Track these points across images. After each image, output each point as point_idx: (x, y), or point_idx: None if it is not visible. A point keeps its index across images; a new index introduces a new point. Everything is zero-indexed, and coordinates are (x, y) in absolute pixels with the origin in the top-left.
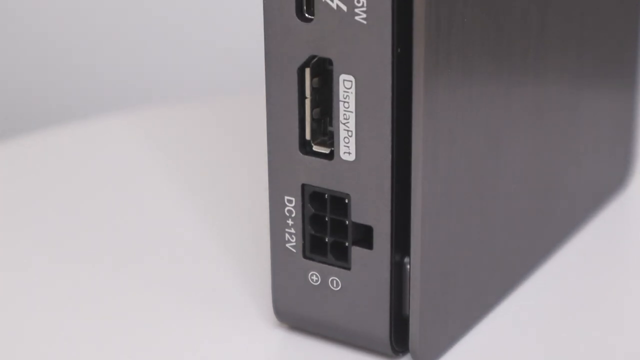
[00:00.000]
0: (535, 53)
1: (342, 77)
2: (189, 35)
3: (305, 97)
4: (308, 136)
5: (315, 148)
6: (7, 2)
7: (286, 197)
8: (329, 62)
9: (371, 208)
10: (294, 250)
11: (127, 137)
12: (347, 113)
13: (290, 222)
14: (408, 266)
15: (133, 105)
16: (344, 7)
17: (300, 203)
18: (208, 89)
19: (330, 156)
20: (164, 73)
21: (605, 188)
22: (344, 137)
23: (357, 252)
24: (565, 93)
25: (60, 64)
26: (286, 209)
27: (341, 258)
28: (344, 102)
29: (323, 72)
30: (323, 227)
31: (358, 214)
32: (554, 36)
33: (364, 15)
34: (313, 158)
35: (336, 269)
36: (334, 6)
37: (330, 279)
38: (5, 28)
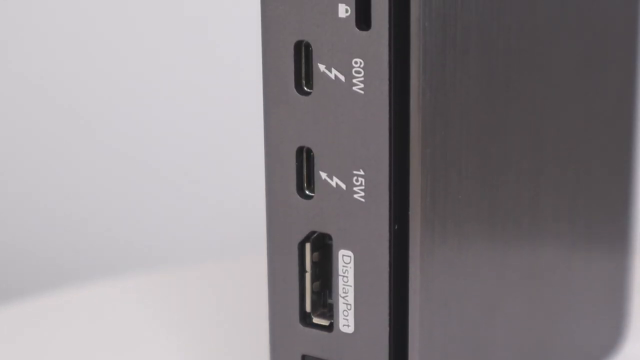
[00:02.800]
0: (529, 222)
1: (342, 252)
2: (191, 200)
3: (306, 271)
4: (308, 309)
5: (315, 320)
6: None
7: None
8: (328, 237)
9: None
10: None
11: (123, 303)
12: (346, 287)
13: None
14: None
15: (133, 270)
16: (343, 186)
17: None
18: (208, 253)
19: (329, 328)
20: (162, 236)
21: (598, 349)
22: (343, 310)
23: None
24: (558, 257)
25: (56, 225)
26: None
27: None
28: (343, 276)
29: (323, 247)
30: None
31: None
32: (546, 205)
33: (362, 194)
34: (313, 330)
35: None
36: (333, 184)
37: None
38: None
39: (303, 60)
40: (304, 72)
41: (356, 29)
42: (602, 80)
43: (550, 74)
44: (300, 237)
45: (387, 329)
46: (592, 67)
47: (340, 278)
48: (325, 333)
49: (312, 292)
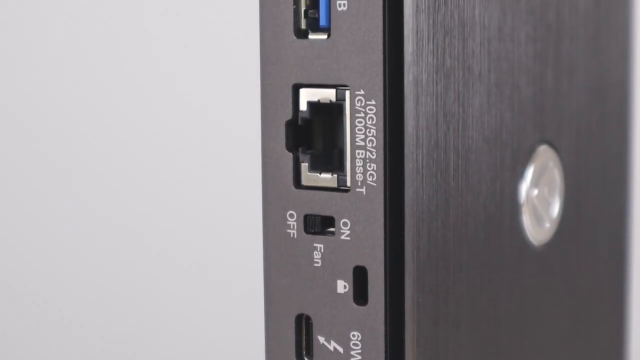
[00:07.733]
0: None
1: None
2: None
3: None
4: None
5: None
6: None
7: None
8: None
9: None
10: None
11: None
12: None
13: None
14: None
15: None
16: None
17: None
18: None
19: None
20: None
21: None
22: None
23: None
24: None
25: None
26: None
27: None
28: None
29: None
30: None
31: None
32: None
33: None
34: None
35: None
36: None
37: None
38: None
39: (304, 332)
40: (304, 343)
41: (354, 304)
42: (589, 337)
43: (539, 338)
44: None
45: None
46: (579, 327)
47: None
48: None
49: None
